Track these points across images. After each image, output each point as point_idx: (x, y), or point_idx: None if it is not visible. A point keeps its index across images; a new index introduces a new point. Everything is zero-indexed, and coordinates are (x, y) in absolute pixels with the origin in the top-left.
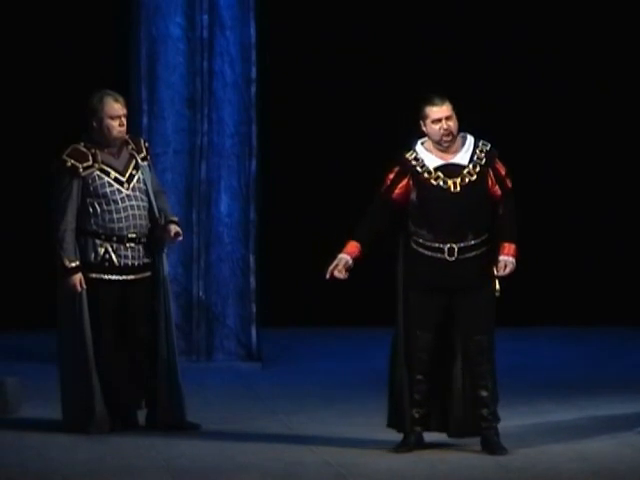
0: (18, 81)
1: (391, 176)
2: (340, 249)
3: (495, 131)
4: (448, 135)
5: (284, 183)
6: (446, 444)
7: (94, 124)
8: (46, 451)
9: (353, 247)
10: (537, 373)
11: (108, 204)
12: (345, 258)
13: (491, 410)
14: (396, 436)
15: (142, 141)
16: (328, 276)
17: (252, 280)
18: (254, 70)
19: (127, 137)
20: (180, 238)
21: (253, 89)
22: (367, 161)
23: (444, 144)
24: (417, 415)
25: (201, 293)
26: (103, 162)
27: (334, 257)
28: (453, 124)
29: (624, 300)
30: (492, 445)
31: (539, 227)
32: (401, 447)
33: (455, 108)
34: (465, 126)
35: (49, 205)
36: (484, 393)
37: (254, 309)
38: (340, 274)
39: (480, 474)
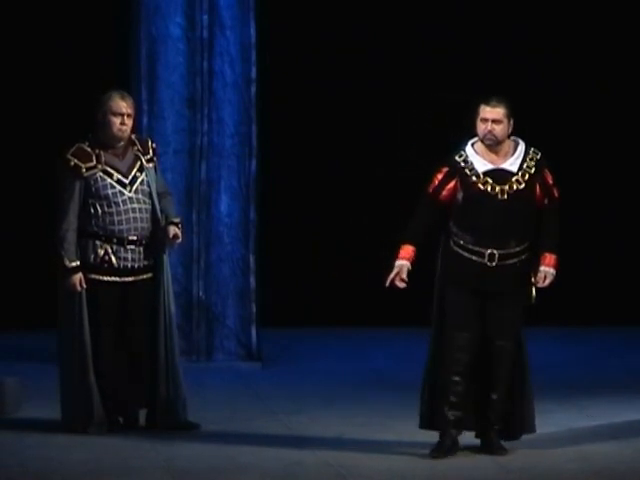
0: (18, 81)
1: (439, 176)
2: (337, 251)
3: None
4: (491, 138)
5: (284, 183)
6: None
7: (99, 119)
8: (46, 451)
9: (410, 251)
10: (537, 373)
11: (110, 206)
12: (406, 265)
13: (497, 414)
14: (396, 437)
15: (149, 142)
16: (388, 284)
17: (252, 280)
18: (254, 70)
19: (134, 138)
20: (179, 240)
21: (253, 89)
22: (367, 161)
23: (486, 142)
24: (452, 417)
25: (201, 293)
26: (107, 163)
27: (334, 256)
28: (499, 129)
29: (624, 300)
30: (492, 446)
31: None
32: (437, 451)
33: (454, 108)
34: (466, 127)
35: (52, 204)
36: (494, 396)
37: (254, 309)
38: (402, 283)
39: (480, 474)
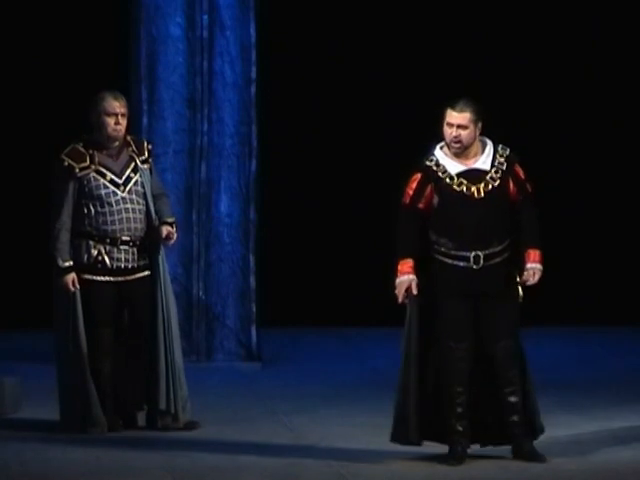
0: (18, 81)
1: (413, 186)
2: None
3: (494, 131)
4: (456, 143)
5: (284, 183)
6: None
7: (93, 121)
8: (45, 451)
9: (410, 265)
10: (537, 373)
11: (102, 206)
12: (412, 278)
13: (522, 416)
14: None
15: (145, 143)
16: (401, 300)
17: (252, 280)
18: (254, 70)
19: (129, 139)
20: (173, 240)
21: (253, 89)
22: (367, 161)
23: (452, 149)
24: (460, 428)
25: (201, 293)
26: (100, 163)
27: (334, 256)
28: (465, 134)
29: (624, 300)
30: (527, 453)
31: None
32: (452, 459)
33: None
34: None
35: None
36: (513, 399)
37: (254, 309)
38: (413, 293)
39: (480, 474)
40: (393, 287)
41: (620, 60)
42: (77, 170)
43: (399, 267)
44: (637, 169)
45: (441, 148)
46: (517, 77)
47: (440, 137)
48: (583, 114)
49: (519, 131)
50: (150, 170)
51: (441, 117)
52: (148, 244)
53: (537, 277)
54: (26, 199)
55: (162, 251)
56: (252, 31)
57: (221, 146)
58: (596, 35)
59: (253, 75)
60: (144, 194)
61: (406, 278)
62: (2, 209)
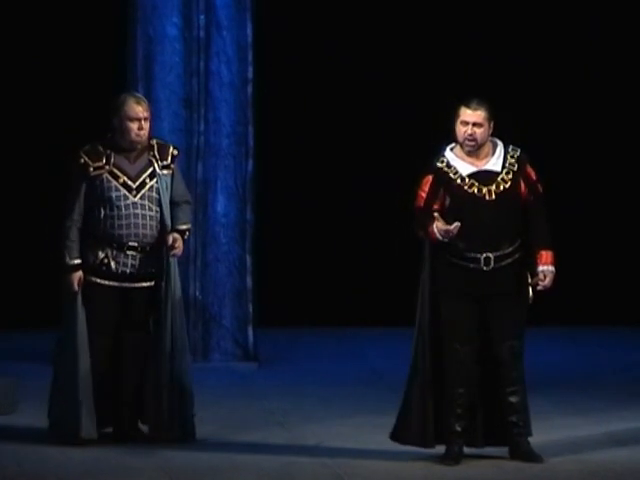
0: (15, 81)
1: (426, 188)
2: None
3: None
4: (471, 141)
5: (281, 183)
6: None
7: (116, 125)
8: (42, 451)
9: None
10: (535, 373)
11: (111, 209)
12: (436, 218)
13: (521, 417)
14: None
15: (170, 149)
16: (453, 230)
17: (249, 280)
18: (251, 70)
19: (154, 142)
20: (178, 250)
21: (250, 89)
22: (364, 161)
23: (466, 148)
24: (459, 429)
25: (197, 293)
26: (115, 165)
27: (331, 256)
28: (480, 132)
29: (624, 300)
30: (525, 453)
31: None
32: (448, 459)
33: (453, 108)
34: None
35: (53, 204)
36: (514, 399)
37: (251, 309)
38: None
39: (477, 474)
40: (391, 288)
41: (619, 60)
42: (91, 169)
43: (430, 230)
44: (636, 169)
45: (451, 149)
46: (516, 77)
47: (439, 137)
48: (582, 114)
49: (518, 131)
50: (172, 176)
51: (447, 116)
52: (159, 252)
53: (549, 279)
54: (25, 199)
55: (174, 260)
56: (249, 31)
57: (218, 146)
58: (595, 35)
59: (250, 75)
60: (159, 200)
61: (435, 222)
62: (2, 210)
